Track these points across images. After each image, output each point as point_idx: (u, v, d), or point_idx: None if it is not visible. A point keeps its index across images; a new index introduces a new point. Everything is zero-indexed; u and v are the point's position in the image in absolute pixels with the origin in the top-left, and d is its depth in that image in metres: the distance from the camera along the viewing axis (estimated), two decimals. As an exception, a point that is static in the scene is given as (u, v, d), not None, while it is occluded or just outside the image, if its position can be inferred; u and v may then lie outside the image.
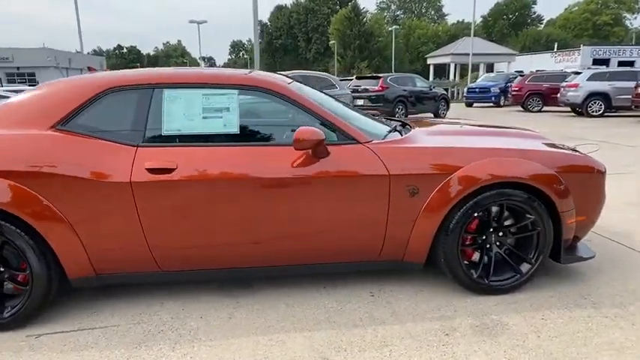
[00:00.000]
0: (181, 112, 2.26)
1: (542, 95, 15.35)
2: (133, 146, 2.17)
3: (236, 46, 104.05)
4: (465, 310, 2.30)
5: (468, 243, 2.44)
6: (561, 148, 2.57)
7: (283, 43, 69.93)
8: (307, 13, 65.25)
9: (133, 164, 2.13)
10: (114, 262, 2.24)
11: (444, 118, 13.82)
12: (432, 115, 13.74)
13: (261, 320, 2.25)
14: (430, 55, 41.32)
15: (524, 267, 2.45)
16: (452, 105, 16.40)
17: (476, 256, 2.46)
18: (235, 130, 2.26)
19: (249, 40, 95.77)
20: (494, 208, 2.40)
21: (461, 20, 68.40)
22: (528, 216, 2.38)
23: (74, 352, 2.00)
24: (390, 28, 49.22)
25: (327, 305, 2.39)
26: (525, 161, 2.34)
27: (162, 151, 2.18)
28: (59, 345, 2.06)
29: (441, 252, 2.37)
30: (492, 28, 62.20)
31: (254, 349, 2.01)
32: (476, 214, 2.33)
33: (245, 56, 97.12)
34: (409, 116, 12.46)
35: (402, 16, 70.85)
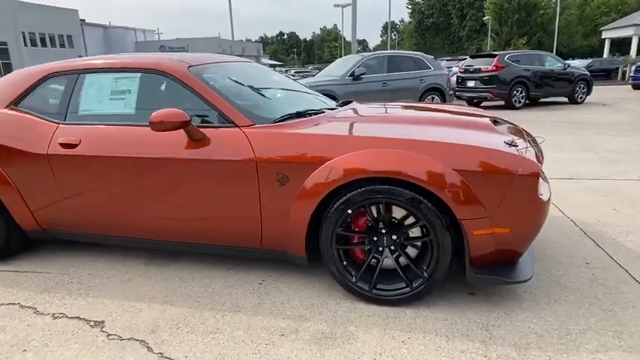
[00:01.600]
0: (95, 94, 2.53)
1: None
2: (56, 124, 2.54)
3: (387, 28, 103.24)
4: (329, 316, 2.10)
5: (355, 242, 2.19)
6: (512, 145, 2.03)
7: (435, 22, 66.70)
8: (464, -13, 60.71)
9: (52, 139, 2.50)
10: (48, 220, 2.67)
11: (581, 103, 11.67)
12: (566, 100, 11.74)
13: (146, 289, 2.43)
14: (606, 27, 34.50)
15: (417, 280, 2.09)
16: (615, 88, 13.59)
17: (373, 260, 2.19)
18: (132, 111, 2.44)
19: (402, 21, 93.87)
20: (390, 207, 2.08)
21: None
22: (416, 220, 2.02)
23: (18, 283, 2.49)
24: (558, -2, 42.53)
25: (212, 286, 2.43)
26: (411, 155, 1.96)
27: (74, 128, 2.49)
28: (13, 277, 2.59)
29: (321, 249, 2.18)
30: None
31: (115, 309, 2.21)
32: (350, 211, 2.07)
33: (394, 37, 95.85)
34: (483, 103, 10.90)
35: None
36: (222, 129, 2.26)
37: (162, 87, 2.48)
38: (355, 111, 2.67)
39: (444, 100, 9.08)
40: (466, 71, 11.51)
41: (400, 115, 2.56)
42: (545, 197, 2.03)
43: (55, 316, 2.19)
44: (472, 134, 2.17)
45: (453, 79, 11.60)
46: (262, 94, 2.71)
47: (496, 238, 1.98)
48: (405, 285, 2.11)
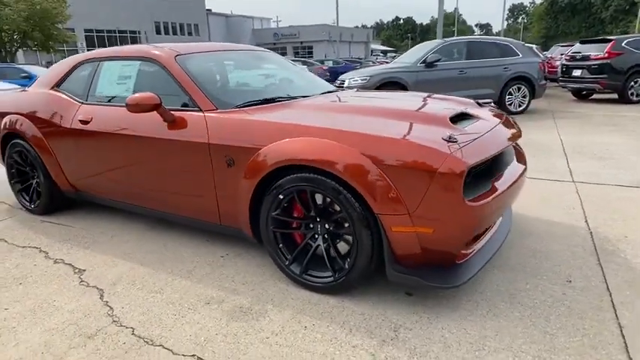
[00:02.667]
0: (107, 79, 2.94)
1: None
2: (80, 103, 3.01)
3: (515, 10, 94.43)
4: (257, 293, 2.22)
5: (291, 226, 2.25)
6: (449, 140, 1.88)
7: (571, 2, 59.03)
8: (611, -39, 52.57)
9: (74, 116, 2.98)
10: (76, 182, 3.20)
11: None
12: None
13: (133, 249, 2.80)
14: None
15: (340, 272, 2.09)
16: None
17: (308, 246, 2.24)
18: (129, 94, 2.78)
19: (532, 2, 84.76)
20: (319, 195, 2.11)
21: None
22: (339, 211, 2.01)
23: (48, 232, 3.09)
24: None
25: (183, 254, 2.71)
26: (333, 145, 1.95)
27: (90, 108, 2.93)
28: (49, 227, 3.19)
29: (260, 230, 2.30)
30: None
31: (99, 262, 2.61)
32: (282, 197, 2.13)
33: (524, 20, 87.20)
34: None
35: None
36: (190, 112, 2.48)
37: (154, 74, 2.77)
38: (329, 98, 2.69)
39: (532, 91, 8.22)
40: (572, 59, 10.17)
41: (353, 105, 2.49)
42: (486, 200, 1.87)
43: (56, 261, 2.67)
44: (411, 127, 2.05)
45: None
46: (244, 82, 2.87)
47: (420, 237, 1.89)
48: (330, 275, 2.13)
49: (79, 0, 28.93)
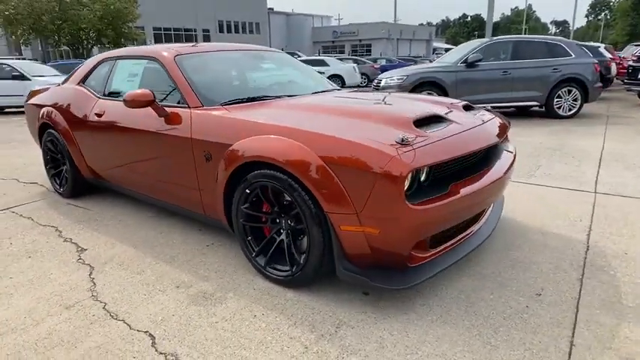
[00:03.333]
0: (120, 76, 3.21)
1: None
2: (97, 98, 3.31)
3: (596, 5, 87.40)
4: (225, 281, 2.34)
5: (259, 220, 2.35)
6: (404, 142, 1.88)
7: (662, -3, 53.58)
8: None
9: (92, 109, 3.28)
10: (95, 171, 3.52)
11: None
12: None
13: (133, 233, 3.04)
14: None
15: (296, 267, 2.16)
16: None
17: (275, 239, 2.33)
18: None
19: (616, -3, 77.99)
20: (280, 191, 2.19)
21: None
22: (295, 208, 2.08)
23: (68, 214, 3.44)
24: None
25: (173, 240, 2.90)
26: (289, 143, 2.02)
27: (104, 102, 3.22)
28: (70, 209, 3.56)
29: (233, 222, 2.42)
30: None
31: (101, 243, 2.87)
32: (248, 191, 2.24)
33: (606, 17, 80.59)
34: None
35: None
36: (180, 109, 2.65)
37: (157, 72, 2.98)
38: (309, 98, 2.77)
39: (585, 95, 7.66)
40: (639, 59, 9.34)
41: (325, 105, 2.51)
42: (433, 205, 1.86)
43: (65, 240, 2.97)
44: (368, 128, 2.05)
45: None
46: (240, 81, 3.00)
47: (368, 237, 1.91)
48: (288, 269, 2.20)
49: (149, 0, 30.91)
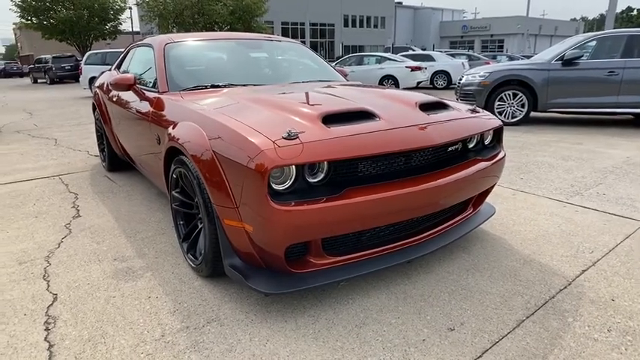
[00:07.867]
0: (133, 61, 3.51)
1: None
2: (121, 79, 3.69)
3: None
4: (154, 262, 2.43)
5: (186, 206, 2.37)
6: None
7: None
8: None
9: (113, 92, 3.66)
10: (124, 147, 3.92)
11: None
12: None
13: (137, 210, 3.33)
14: None
15: (201, 256, 2.14)
16: None
17: (197, 227, 2.34)
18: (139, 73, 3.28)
19: None
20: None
21: None
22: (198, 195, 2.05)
23: (97, 184, 3.93)
24: None
25: (152, 218, 3.10)
26: (198, 131, 1.99)
27: (120, 85, 3.56)
28: (102, 181, 4.05)
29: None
30: None
31: (105, 212, 3.21)
32: (175, 176, 2.28)
33: None
34: None
35: None
36: (152, 93, 2.81)
37: (152, 58, 3.19)
38: (273, 88, 2.71)
39: None
40: None
41: (259, 96, 2.35)
42: (303, 208, 1.68)
43: (73, 206, 3.38)
44: (274, 119, 1.94)
45: None
46: (215, 68, 3.05)
47: (248, 234, 1.81)
48: (196, 257, 2.20)
49: (279, -4, 32.87)
